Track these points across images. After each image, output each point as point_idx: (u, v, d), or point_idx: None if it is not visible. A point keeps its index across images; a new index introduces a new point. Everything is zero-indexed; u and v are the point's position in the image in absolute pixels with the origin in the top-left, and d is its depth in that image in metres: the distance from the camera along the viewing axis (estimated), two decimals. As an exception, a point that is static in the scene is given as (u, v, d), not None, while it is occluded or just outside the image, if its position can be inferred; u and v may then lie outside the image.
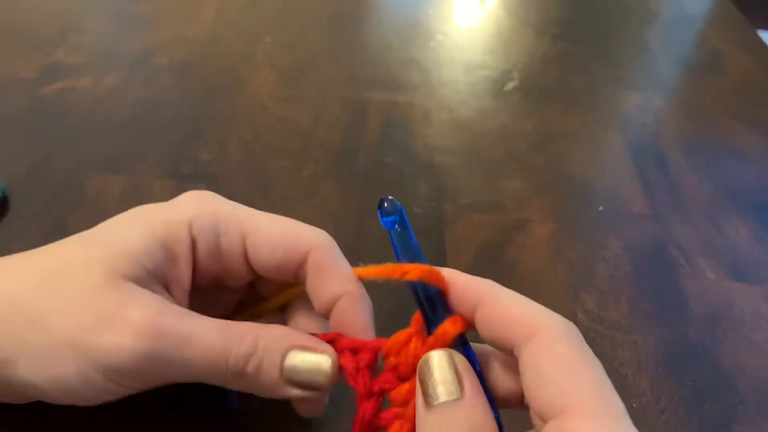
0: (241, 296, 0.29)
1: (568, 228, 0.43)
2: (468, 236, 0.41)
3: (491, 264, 0.39)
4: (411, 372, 0.23)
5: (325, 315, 0.26)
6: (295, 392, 0.24)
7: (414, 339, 0.23)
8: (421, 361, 0.22)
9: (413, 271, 0.23)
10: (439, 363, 0.21)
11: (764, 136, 0.55)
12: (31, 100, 0.47)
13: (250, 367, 0.23)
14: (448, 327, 0.22)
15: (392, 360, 0.23)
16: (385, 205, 0.24)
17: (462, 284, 0.23)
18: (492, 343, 0.22)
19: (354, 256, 0.40)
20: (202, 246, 0.26)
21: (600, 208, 0.45)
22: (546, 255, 0.41)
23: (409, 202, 0.43)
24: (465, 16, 0.69)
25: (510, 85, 0.57)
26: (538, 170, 0.48)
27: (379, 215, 0.24)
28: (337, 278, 0.26)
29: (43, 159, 0.43)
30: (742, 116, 0.57)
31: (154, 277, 0.24)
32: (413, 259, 0.24)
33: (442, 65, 0.59)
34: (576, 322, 0.36)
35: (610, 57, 0.65)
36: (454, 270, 0.24)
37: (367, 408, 0.23)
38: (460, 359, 0.22)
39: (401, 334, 0.23)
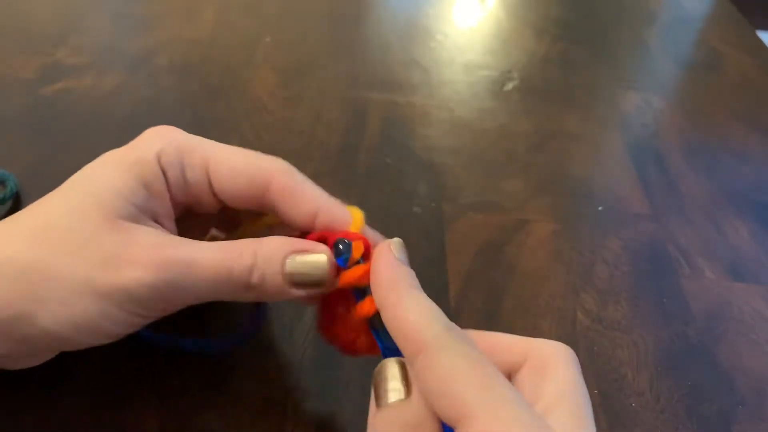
0: (215, 223, 0.31)
1: (568, 228, 0.43)
2: (468, 236, 0.41)
3: (491, 264, 0.39)
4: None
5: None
6: (300, 292, 0.26)
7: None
8: (375, 370, 0.23)
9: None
10: (392, 371, 0.22)
11: (764, 136, 0.55)
12: (31, 101, 0.47)
13: (255, 279, 0.25)
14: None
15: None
16: (340, 247, 0.26)
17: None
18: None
19: (354, 256, 0.39)
20: (171, 178, 0.27)
21: (600, 208, 0.45)
22: (546, 255, 0.41)
23: (409, 202, 0.43)
24: (465, 16, 0.69)
25: (510, 85, 0.57)
26: (538, 170, 0.48)
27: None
28: (306, 197, 0.27)
29: (43, 159, 0.43)
30: (741, 116, 0.57)
31: (144, 214, 0.26)
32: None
33: (442, 65, 0.59)
34: (576, 322, 0.36)
35: (610, 57, 0.65)
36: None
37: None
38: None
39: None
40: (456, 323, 0.36)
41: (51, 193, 0.26)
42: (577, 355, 0.35)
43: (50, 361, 0.27)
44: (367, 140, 0.48)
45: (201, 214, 0.29)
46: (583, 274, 0.40)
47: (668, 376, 0.34)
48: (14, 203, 0.39)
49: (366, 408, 0.31)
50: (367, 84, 0.55)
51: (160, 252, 0.24)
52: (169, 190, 0.27)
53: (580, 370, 0.23)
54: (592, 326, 0.36)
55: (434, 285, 0.37)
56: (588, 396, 0.23)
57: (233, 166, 0.27)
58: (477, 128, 0.51)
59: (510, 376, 0.23)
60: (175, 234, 0.27)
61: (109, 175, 0.26)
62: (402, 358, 0.23)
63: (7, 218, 0.26)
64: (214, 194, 0.28)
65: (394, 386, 0.22)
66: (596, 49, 0.66)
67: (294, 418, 0.30)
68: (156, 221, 0.26)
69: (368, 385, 0.31)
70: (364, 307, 0.25)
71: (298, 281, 0.25)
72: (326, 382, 0.31)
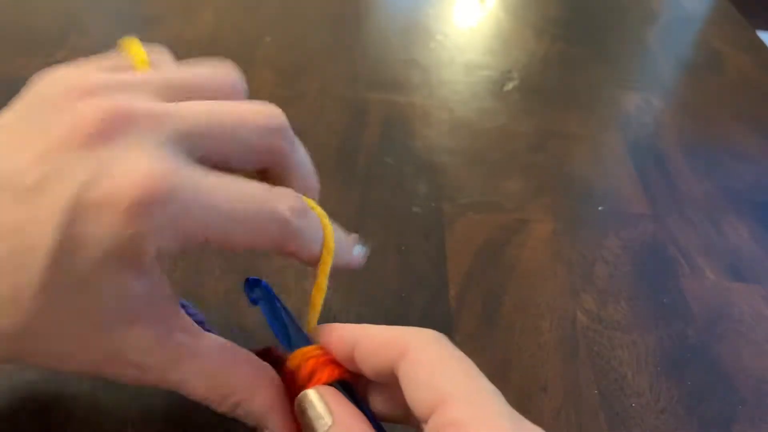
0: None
1: (568, 228, 0.43)
2: (468, 236, 0.41)
3: (491, 264, 0.39)
4: None
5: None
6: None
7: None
8: (295, 404, 0.23)
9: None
10: (307, 401, 0.22)
11: (764, 136, 0.55)
12: (31, 100, 0.47)
13: (239, 412, 0.24)
14: (323, 375, 0.23)
15: None
16: (248, 288, 0.25)
17: (336, 334, 0.24)
18: (378, 379, 0.23)
19: (354, 256, 0.39)
20: (168, 261, 0.26)
21: (600, 208, 0.45)
22: (546, 255, 0.41)
23: (409, 202, 0.43)
24: (465, 16, 0.69)
25: (510, 85, 0.57)
26: (538, 170, 0.48)
27: (246, 293, 0.25)
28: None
29: (43, 159, 0.43)
30: (741, 116, 0.57)
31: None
32: (283, 330, 0.25)
33: (442, 65, 0.59)
34: (576, 322, 0.36)
35: (610, 57, 0.65)
36: (326, 325, 0.25)
37: None
38: (328, 390, 0.23)
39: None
40: (456, 323, 0.36)
41: None
42: (577, 355, 0.35)
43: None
44: (367, 140, 0.48)
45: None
46: (583, 274, 0.40)
47: (668, 376, 0.34)
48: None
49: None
50: (367, 84, 0.55)
51: (160, 370, 0.23)
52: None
53: (446, 347, 0.22)
54: (592, 326, 0.36)
55: (434, 285, 0.37)
56: (468, 360, 0.21)
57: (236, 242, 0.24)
58: (477, 128, 0.51)
59: (394, 371, 0.22)
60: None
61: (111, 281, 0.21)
62: (316, 386, 0.23)
63: None
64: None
65: (318, 414, 0.22)
66: (596, 49, 0.65)
67: (294, 418, 0.30)
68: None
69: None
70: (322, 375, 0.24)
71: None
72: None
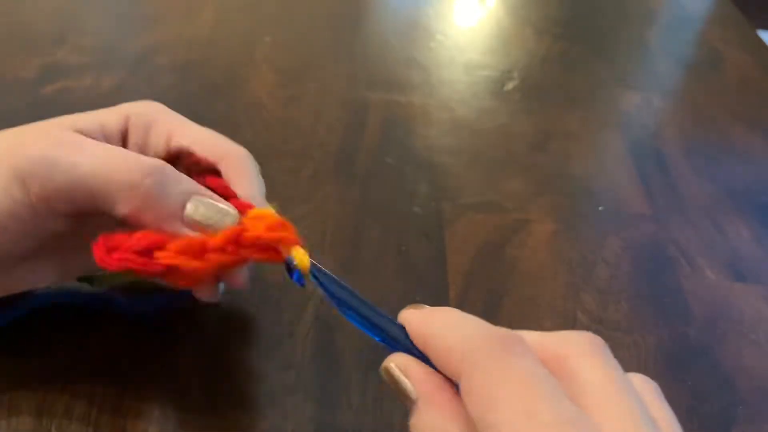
0: None
1: (568, 228, 0.43)
2: (468, 236, 0.41)
3: (491, 264, 0.39)
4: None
5: None
6: (186, 230, 0.25)
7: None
8: (382, 368, 0.22)
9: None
10: (397, 369, 0.22)
11: (764, 136, 0.55)
12: (31, 100, 0.47)
13: (148, 180, 0.24)
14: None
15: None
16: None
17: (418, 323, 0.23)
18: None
19: (354, 256, 0.40)
20: (131, 136, 0.29)
21: (600, 208, 0.45)
22: (546, 255, 0.41)
23: (409, 202, 0.43)
24: (465, 16, 0.69)
25: (510, 85, 0.57)
26: (538, 170, 0.48)
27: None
28: (246, 189, 0.27)
29: (43, 159, 0.43)
30: (742, 116, 0.57)
31: None
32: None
33: (442, 65, 0.59)
34: (576, 322, 0.36)
35: (610, 57, 0.65)
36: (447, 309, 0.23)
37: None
38: (407, 360, 0.22)
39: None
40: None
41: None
42: (578, 355, 0.34)
43: (48, 362, 0.27)
44: (367, 140, 0.48)
45: None
46: (584, 274, 0.40)
47: (669, 376, 0.34)
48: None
49: (365, 409, 0.31)
50: (367, 84, 0.55)
51: (64, 133, 0.26)
52: (125, 146, 0.29)
53: (609, 361, 0.21)
54: (592, 327, 0.36)
55: (434, 285, 0.37)
56: (628, 390, 0.20)
57: (194, 138, 0.29)
58: (477, 128, 0.51)
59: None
60: None
61: (79, 116, 0.28)
62: (401, 355, 0.22)
63: None
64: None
65: (404, 389, 0.21)
66: (596, 49, 0.65)
67: (294, 418, 0.30)
68: None
69: (368, 386, 0.31)
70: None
71: (196, 216, 0.25)
72: (326, 382, 0.31)
